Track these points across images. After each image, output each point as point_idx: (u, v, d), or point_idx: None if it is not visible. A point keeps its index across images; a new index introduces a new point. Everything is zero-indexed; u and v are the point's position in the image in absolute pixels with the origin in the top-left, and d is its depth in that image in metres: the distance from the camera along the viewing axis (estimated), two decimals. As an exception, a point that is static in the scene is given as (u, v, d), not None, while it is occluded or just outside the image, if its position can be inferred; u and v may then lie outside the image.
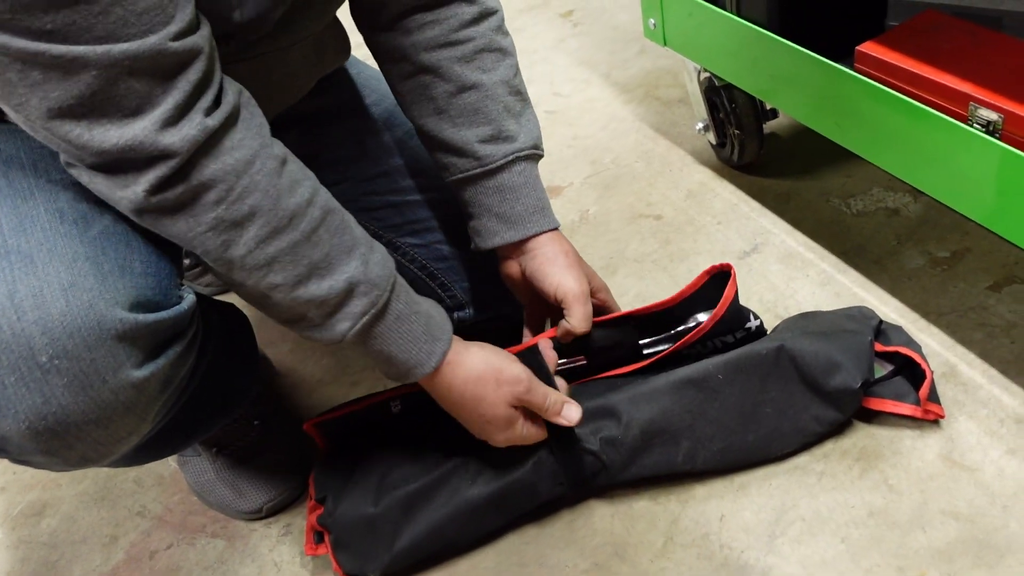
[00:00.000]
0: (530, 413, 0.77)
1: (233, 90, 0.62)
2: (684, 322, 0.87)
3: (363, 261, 0.68)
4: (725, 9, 1.02)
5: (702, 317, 0.86)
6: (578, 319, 0.80)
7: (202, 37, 0.59)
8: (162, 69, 0.56)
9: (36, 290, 0.58)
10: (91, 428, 0.59)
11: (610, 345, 0.86)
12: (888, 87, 0.83)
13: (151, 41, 0.54)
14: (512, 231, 0.82)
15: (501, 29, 0.83)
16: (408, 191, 0.97)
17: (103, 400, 0.59)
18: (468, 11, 0.80)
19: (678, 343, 0.84)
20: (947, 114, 0.78)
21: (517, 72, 0.84)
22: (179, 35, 0.56)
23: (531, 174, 0.83)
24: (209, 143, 0.59)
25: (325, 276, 0.65)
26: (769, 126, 1.21)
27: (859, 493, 0.80)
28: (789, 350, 0.81)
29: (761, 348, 0.82)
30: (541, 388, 0.76)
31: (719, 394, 0.81)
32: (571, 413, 0.77)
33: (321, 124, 0.96)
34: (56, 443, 0.59)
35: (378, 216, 0.97)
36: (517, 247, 0.84)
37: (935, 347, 0.92)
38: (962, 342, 0.92)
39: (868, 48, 0.86)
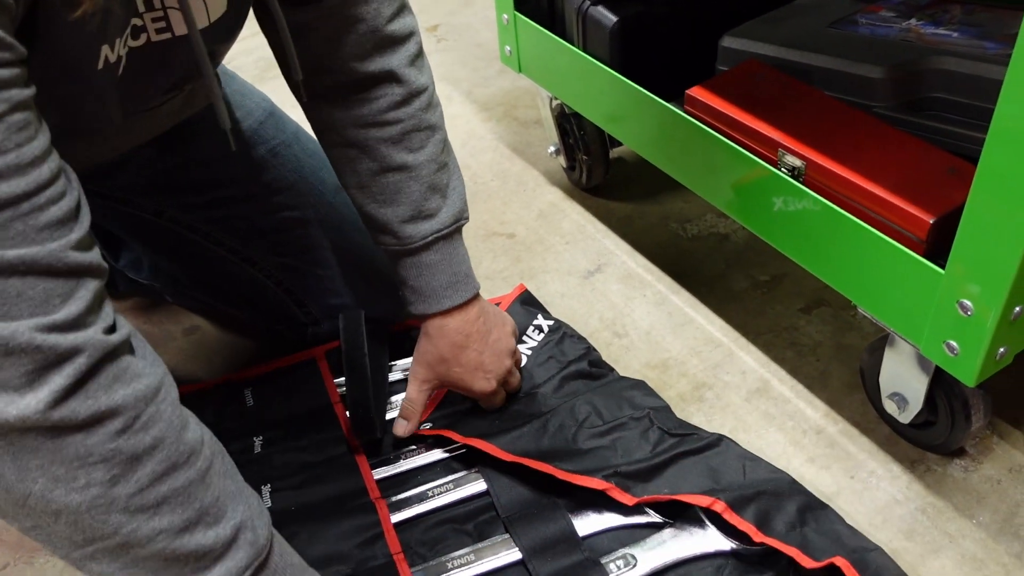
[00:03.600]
0: None
1: (122, 320, 0.57)
2: None
3: (247, 507, 0.61)
4: (573, 44, 1.09)
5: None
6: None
7: (97, 255, 0.55)
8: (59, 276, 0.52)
9: None
10: None
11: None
12: (712, 129, 0.92)
13: (51, 247, 0.51)
14: (424, 304, 0.86)
15: (431, 105, 0.84)
16: (271, 209, 0.98)
17: None
18: (397, 92, 0.81)
19: None
20: (760, 158, 0.87)
21: (444, 145, 0.85)
22: (79, 245, 0.53)
23: (448, 251, 0.85)
24: (117, 367, 0.54)
25: (212, 523, 0.58)
26: (616, 152, 1.29)
27: (680, 500, 0.88)
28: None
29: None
30: None
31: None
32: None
33: (183, 139, 0.94)
34: None
35: (239, 233, 0.98)
36: (428, 317, 0.87)
37: (752, 364, 1.01)
38: (775, 360, 1.02)
39: (696, 92, 0.94)
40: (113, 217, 0.98)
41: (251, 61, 1.73)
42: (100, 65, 0.63)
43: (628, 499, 0.80)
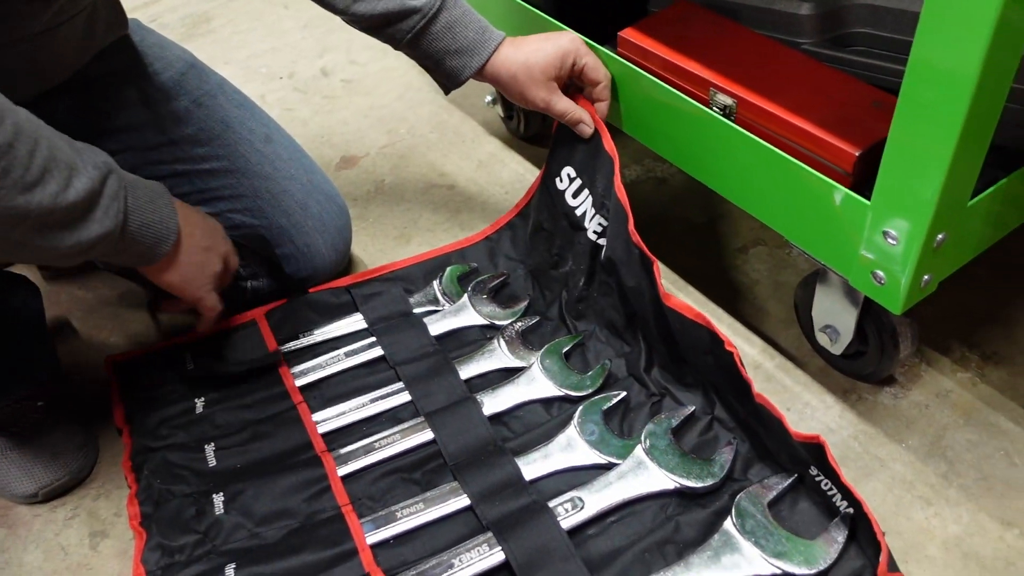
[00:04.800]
0: None
1: None
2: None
3: (91, 152, 0.72)
4: (505, -11, 1.08)
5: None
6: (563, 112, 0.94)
7: None
8: None
9: None
10: None
11: None
12: (644, 71, 0.92)
13: None
14: (474, 58, 0.91)
15: None
16: (197, 160, 0.97)
17: None
18: None
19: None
20: (692, 98, 0.87)
21: None
22: None
23: (462, 5, 0.91)
24: None
25: (83, 170, 0.69)
26: (553, 99, 1.28)
27: (623, 439, 0.90)
28: None
29: None
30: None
31: None
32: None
33: (99, 91, 0.93)
34: None
35: (168, 186, 0.95)
36: (482, 73, 0.93)
37: (692, 305, 1.02)
38: (714, 299, 1.03)
39: (627, 34, 0.94)
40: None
41: (177, 19, 1.68)
42: None
43: (667, 297, 0.88)
